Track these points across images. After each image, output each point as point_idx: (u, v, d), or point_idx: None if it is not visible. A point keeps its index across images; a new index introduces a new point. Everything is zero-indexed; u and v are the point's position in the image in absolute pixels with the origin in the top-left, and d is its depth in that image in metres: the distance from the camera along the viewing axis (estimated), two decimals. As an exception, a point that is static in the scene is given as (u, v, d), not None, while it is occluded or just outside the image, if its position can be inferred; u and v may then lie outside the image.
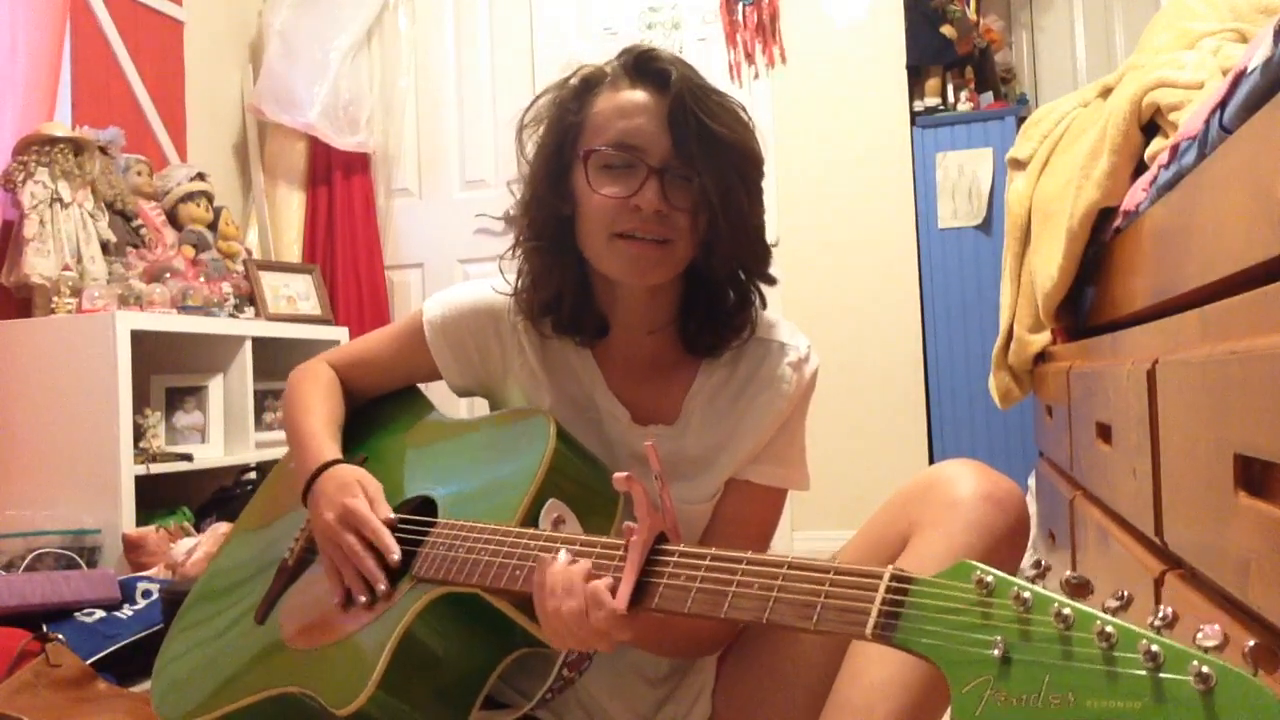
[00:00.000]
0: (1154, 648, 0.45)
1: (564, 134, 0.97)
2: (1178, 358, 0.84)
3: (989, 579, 0.53)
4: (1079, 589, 0.50)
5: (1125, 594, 0.49)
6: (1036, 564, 0.54)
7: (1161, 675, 0.44)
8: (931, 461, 2.92)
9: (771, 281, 1.01)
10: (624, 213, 0.92)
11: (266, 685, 0.90)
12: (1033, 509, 2.18)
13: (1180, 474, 0.84)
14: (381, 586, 0.87)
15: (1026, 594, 0.51)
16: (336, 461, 0.99)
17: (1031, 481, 2.31)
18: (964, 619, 0.53)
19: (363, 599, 0.88)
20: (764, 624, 0.63)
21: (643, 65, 0.94)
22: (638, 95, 0.93)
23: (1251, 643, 0.43)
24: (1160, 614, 0.47)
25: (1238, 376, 0.67)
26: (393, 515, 0.92)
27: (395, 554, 0.88)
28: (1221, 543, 0.71)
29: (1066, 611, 0.49)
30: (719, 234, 0.93)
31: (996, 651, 0.50)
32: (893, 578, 0.58)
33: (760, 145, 0.97)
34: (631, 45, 0.96)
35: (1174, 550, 0.87)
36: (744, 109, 0.97)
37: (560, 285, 0.99)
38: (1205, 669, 0.43)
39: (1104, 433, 1.21)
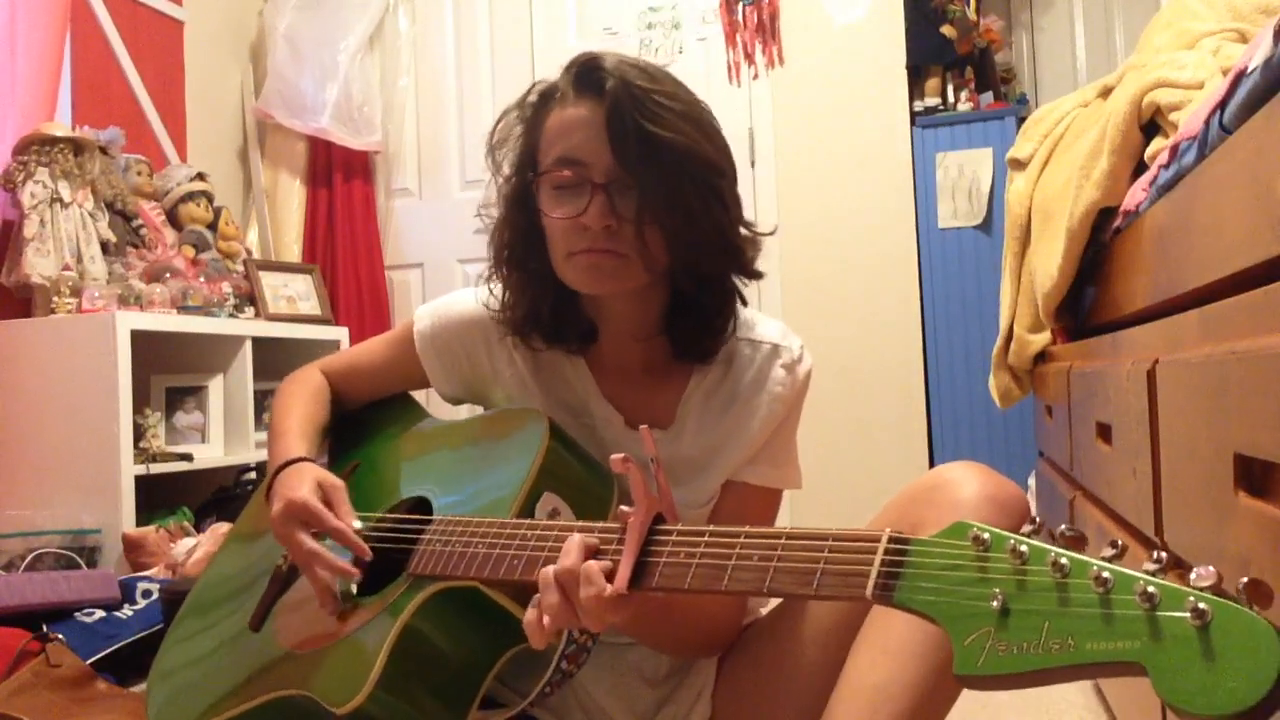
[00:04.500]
0: (1150, 588, 0.45)
1: (523, 154, 0.97)
2: (1178, 358, 0.84)
3: (985, 535, 0.53)
4: (1074, 542, 0.51)
5: (1120, 543, 0.49)
6: (1032, 520, 0.54)
7: (1158, 614, 0.45)
8: (931, 461, 2.92)
9: (756, 276, 0.99)
10: (575, 232, 0.91)
11: (265, 690, 0.90)
12: (1033, 509, 2.18)
13: (1180, 474, 0.84)
14: (354, 575, 0.88)
15: (1023, 547, 0.51)
16: (300, 460, 0.98)
17: (1031, 481, 2.31)
18: (962, 574, 0.53)
19: (330, 591, 0.88)
20: (765, 593, 0.63)
21: (584, 77, 0.91)
22: (580, 109, 0.91)
23: (1245, 579, 0.43)
24: (1155, 557, 0.47)
25: (1238, 376, 0.67)
26: (355, 519, 0.92)
27: (348, 534, 0.89)
28: (1221, 543, 0.71)
29: (1063, 561, 0.49)
30: (675, 241, 0.91)
31: (995, 603, 0.50)
32: (891, 539, 0.58)
33: (718, 145, 0.93)
34: (580, 54, 0.94)
35: (1174, 550, 0.87)
36: (697, 106, 0.93)
37: (536, 301, 0.99)
38: (1201, 605, 0.43)
39: (1104, 433, 1.21)
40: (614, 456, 0.72)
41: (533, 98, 0.97)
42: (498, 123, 1.00)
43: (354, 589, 0.92)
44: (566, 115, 0.92)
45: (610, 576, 0.69)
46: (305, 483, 0.93)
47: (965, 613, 0.52)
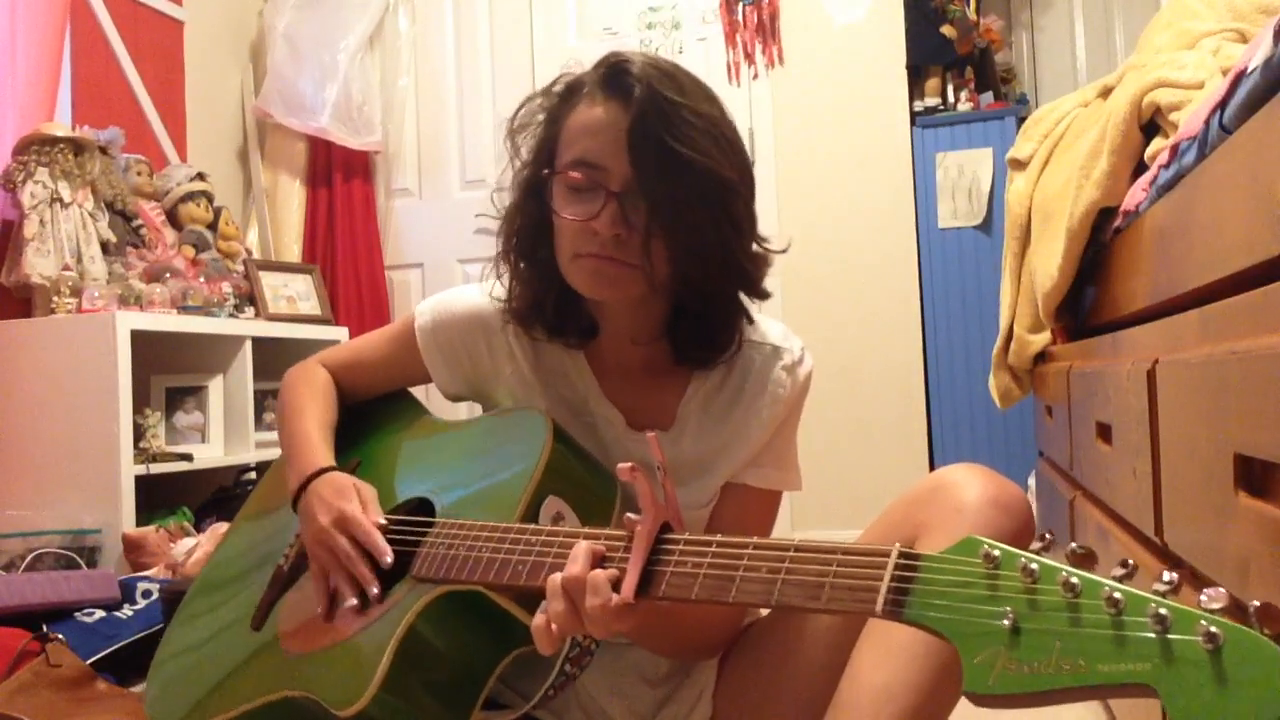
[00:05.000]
0: (1161, 610, 0.46)
1: (542, 145, 0.96)
2: (1178, 358, 0.84)
3: (995, 553, 0.53)
4: (1084, 559, 0.51)
5: (1130, 563, 0.49)
6: (1042, 537, 0.54)
7: (1170, 636, 0.45)
8: (932, 461, 2.92)
9: (763, 297, 0.99)
10: (584, 235, 0.90)
11: (265, 690, 0.90)
12: (1033, 510, 2.18)
13: (1180, 474, 0.84)
14: (374, 590, 0.87)
15: (1034, 565, 0.51)
16: (331, 468, 0.99)
17: (1031, 481, 2.31)
18: (973, 592, 0.53)
19: (352, 602, 0.88)
20: (772, 606, 0.63)
21: (613, 79, 0.90)
22: (605, 111, 0.90)
23: (1257, 602, 0.44)
24: (1166, 579, 0.47)
25: (1238, 376, 0.67)
26: (384, 520, 0.92)
27: (388, 557, 0.89)
28: (1221, 543, 0.71)
29: (1074, 580, 0.49)
30: (679, 257, 0.90)
31: (1006, 622, 0.50)
32: (900, 554, 0.58)
33: (737, 164, 0.92)
34: (611, 53, 0.93)
35: (1174, 550, 0.87)
36: (721, 122, 0.91)
37: (540, 291, 0.98)
38: (1213, 629, 0.43)
39: (1104, 433, 1.21)
40: (621, 465, 0.71)
41: (558, 88, 0.96)
42: (520, 108, 0.98)
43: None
44: (591, 115, 0.91)
45: (616, 585, 0.69)
46: (349, 492, 0.95)
47: (976, 630, 0.52)
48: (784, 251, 1.00)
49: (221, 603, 1.07)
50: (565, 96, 0.95)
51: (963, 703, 0.78)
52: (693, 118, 0.88)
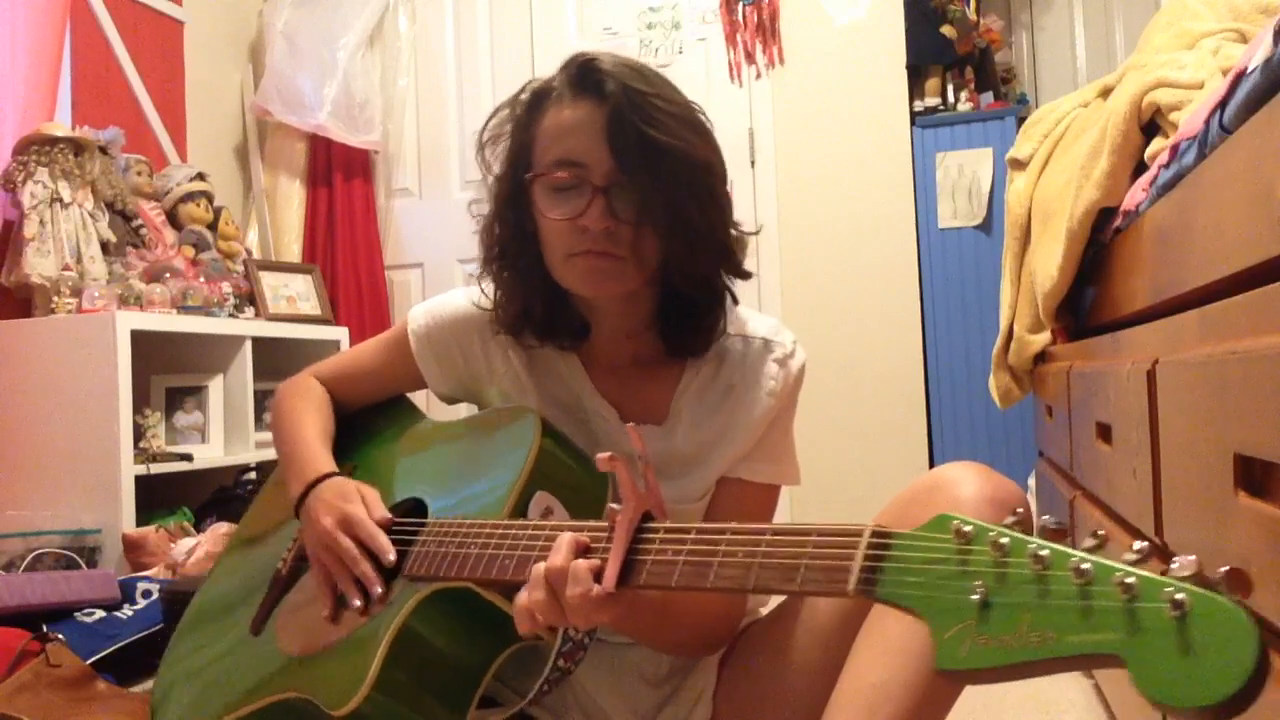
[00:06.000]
0: (1128, 579, 0.45)
1: (517, 153, 0.97)
2: (1178, 358, 0.84)
3: (967, 528, 0.53)
4: (1056, 534, 0.51)
5: (1101, 533, 0.49)
6: (1015, 511, 0.54)
7: (1136, 605, 0.45)
8: (932, 461, 2.92)
9: (744, 276, 1.01)
10: (574, 234, 0.91)
11: (264, 694, 0.90)
12: (1033, 509, 2.18)
13: (1180, 474, 0.84)
14: (377, 589, 0.88)
15: (1004, 539, 0.51)
16: (334, 473, 0.99)
17: (1031, 481, 2.31)
18: (944, 568, 0.53)
19: (357, 604, 0.88)
20: (750, 590, 0.63)
21: (583, 77, 0.92)
22: (579, 110, 0.91)
23: (1225, 568, 0.43)
24: (1136, 548, 0.47)
25: (1238, 376, 0.67)
26: (389, 515, 0.93)
27: (390, 555, 0.89)
28: (1221, 543, 0.71)
29: (1044, 553, 0.49)
30: (670, 242, 0.92)
31: (977, 596, 0.50)
32: (873, 533, 0.58)
33: (713, 147, 0.95)
34: (576, 54, 0.94)
35: (1174, 550, 0.87)
36: (691, 108, 0.94)
37: (527, 299, 0.99)
38: (1179, 595, 0.43)
39: (1104, 433, 1.21)
40: (600, 455, 0.72)
41: (526, 96, 0.97)
42: (489, 120, 0.99)
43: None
44: (564, 116, 0.92)
45: (599, 575, 0.69)
46: (352, 494, 0.94)
47: (947, 606, 0.51)
48: (756, 234, 1.03)
49: (222, 618, 1.07)
50: (534, 103, 0.95)
51: (961, 703, 0.79)
52: (666, 105, 0.91)
